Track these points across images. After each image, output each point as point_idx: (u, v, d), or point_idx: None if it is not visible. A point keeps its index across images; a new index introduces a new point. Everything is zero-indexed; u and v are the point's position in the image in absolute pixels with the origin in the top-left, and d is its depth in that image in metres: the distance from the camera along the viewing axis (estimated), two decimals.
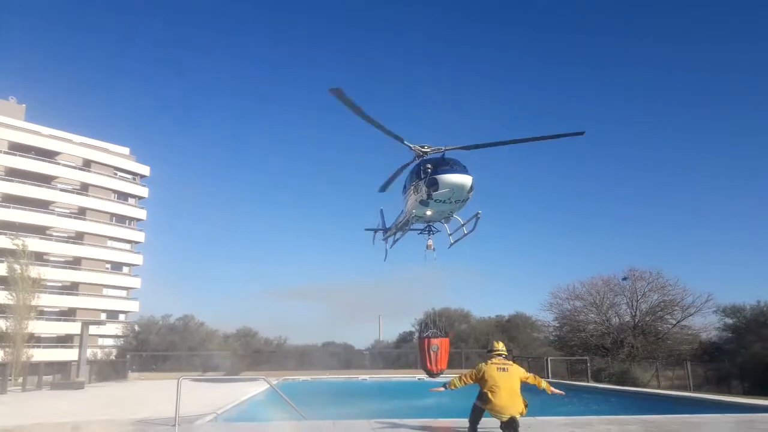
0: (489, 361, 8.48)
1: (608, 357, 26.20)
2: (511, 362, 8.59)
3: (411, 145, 13.82)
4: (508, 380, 8.18)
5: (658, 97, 77.65)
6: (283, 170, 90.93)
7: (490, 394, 8.11)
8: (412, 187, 14.18)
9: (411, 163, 14.27)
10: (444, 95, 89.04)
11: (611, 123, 79.78)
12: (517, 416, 8.06)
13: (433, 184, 12.99)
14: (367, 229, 19.49)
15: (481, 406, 8.25)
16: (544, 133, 13.81)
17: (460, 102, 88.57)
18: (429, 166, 13.33)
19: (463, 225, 14.51)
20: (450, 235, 14.99)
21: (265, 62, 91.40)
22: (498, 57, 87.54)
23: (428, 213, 13.64)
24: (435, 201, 13.18)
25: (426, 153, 13.86)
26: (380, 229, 18.57)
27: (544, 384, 8.74)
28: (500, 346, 8.74)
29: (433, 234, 15.18)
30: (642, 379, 21.63)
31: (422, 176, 13.44)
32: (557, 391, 8.84)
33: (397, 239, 16.81)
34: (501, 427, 8.07)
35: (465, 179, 12.95)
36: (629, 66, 80.00)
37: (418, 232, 15.62)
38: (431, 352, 11.06)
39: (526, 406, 8.23)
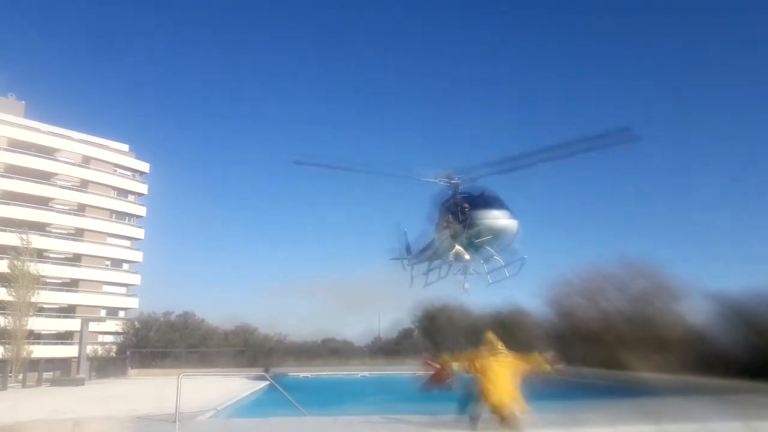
0: (488, 356, 8.46)
1: (598, 343, 26.33)
2: (510, 357, 8.56)
3: (439, 180, 12.31)
4: (507, 375, 8.17)
5: (656, 78, 77.52)
6: (282, 166, 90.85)
7: (488, 390, 8.10)
8: (446, 226, 12.62)
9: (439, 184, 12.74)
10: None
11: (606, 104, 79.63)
12: (517, 413, 8.06)
13: (473, 228, 11.50)
14: (393, 259, 17.18)
15: (479, 401, 8.24)
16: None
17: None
18: (467, 205, 11.84)
19: (504, 267, 12.67)
20: (488, 274, 13.01)
21: (265, 57, 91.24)
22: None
23: (465, 258, 12.18)
24: (474, 247, 11.74)
25: (456, 183, 12.25)
26: (405, 258, 16.37)
27: (547, 367, 8.66)
28: (499, 345, 8.69)
29: (470, 274, 13.17)
30: (632, 365, 21.77)
31: (459, 217, 11.90)
32: (557, 366, 8.71)
33: (431, 282, 14.61)
34: (500, 423, 8.08)
35: (510, 224, 11.36)
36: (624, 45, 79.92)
37: (454, 273, 13.72)
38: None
39: (525, 403, 8.22)
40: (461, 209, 11.95)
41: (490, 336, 8.83)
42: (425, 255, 14.82)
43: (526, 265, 12.39)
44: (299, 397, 11.78)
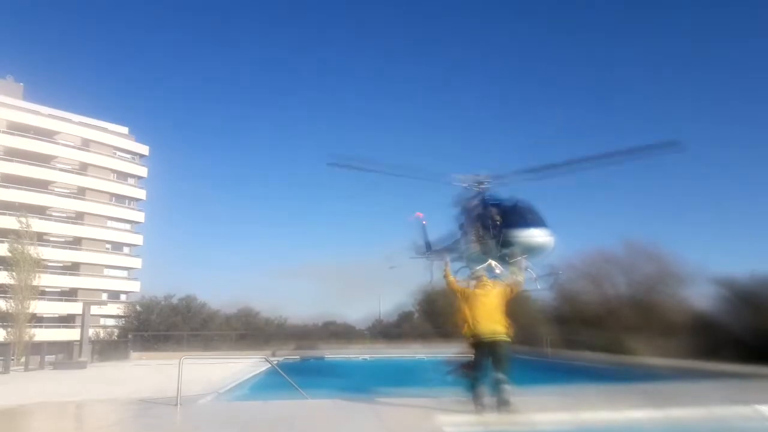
0: (473, 287, 8.51)
1: (603, 328, 26.33)
2: (491, 284, 8.54)
3: (463, 182, 11.61)
4: (493, 303, 8.18)
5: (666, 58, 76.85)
6: (283, 148, 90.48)
7: (474, 316, 8.11)
8: (476, 240, 11.82)
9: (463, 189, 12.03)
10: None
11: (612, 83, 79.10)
12: (501, 338, 8.00)
13: (507, 245, 10.73)
14: (412, 258, 16.51)
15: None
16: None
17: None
18: (499, 219, 11.06)
19: (535, 279, 11.99)
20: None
21: (265, 37, 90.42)
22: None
23: (497, 272, 11.14)
24: (507, 263, 10.88)
25: (482, 185, 11.49)
26: (427, 252, 15.47)
27: (521, 278, 8.61)
28: (489, 283, 8.66)
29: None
30: (636, 349, 21.80)
31: (491, 232, 11.11)
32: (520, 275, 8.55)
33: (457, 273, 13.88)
34: (484, 353, 8.04)
35: (547, 242, 10.65)
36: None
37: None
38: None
39: (510, 329, 8.13)
40: (493, 222, 11.24)
41: (483, 277, 8.78)
42: (448, 250, 14.06)
43: (561, 277, 11.80)
44: (300, 380, 11.82)
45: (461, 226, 13.11)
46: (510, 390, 7.80)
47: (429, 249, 15.48)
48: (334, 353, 28.13)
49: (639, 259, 27.61)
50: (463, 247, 13.10)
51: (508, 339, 8.08)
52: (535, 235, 10.85)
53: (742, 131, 67.61)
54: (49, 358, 23.70)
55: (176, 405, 9.36)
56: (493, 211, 11.49)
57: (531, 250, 10.93)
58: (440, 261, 14.54)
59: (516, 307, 8.69)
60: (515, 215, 11.18)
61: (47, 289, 44.28)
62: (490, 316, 8.06)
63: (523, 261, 8.02)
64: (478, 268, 8.64)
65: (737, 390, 10.01)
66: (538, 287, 12.33)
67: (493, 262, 11.37)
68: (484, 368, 8.12)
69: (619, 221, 65.18)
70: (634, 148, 11.48)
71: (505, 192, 12.07)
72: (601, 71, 77.64)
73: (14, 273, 28.92)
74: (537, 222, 11.05)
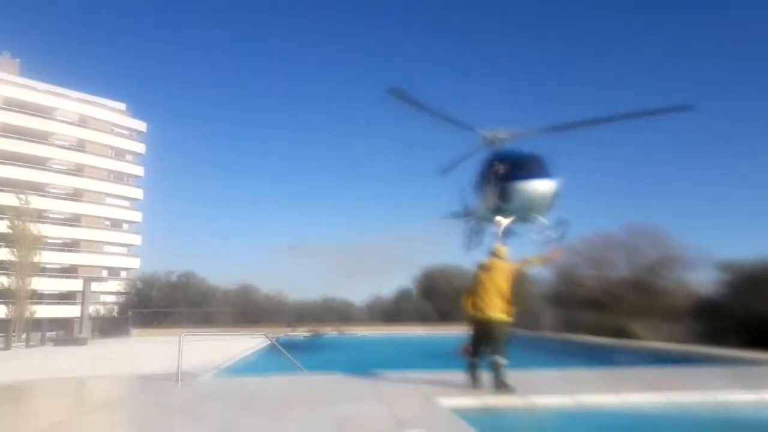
0: (483, 272, 8.40)
1: (605, 312, 26.41)
2: (497, 259, 8.45)
3: (483, 134, 11.29)
4: (488, 279, 8.14)
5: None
6: (283, 124, 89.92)
7: (471, 298, 8.14)
8: (481, 191, 11.90)
9: (480, 151, 11.81)
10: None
11: (611, 65, 78.41)
12: (497, 319, 7.97)
13: (505, 194, 10.66)
14: (447, 218, 16.24)
15: (468, 317, 8.19)
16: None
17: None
18: (500, 168, 10.89)
19: (547, 229, 11.77)
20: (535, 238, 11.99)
21: (269, 12, 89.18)
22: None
23: (503, 224, 11.06)
24: (508, 212, 10.87)
25: (499, 141, 11.25)
26: (463, 216, 15.41)
27: (537, 261, 8.63)
28: (500, 252, 8.54)
29: (510, 236, 11.98)
30: (639, 334, 21.90)
31: (492, 181, 11.12)
32: (555, 254, 8.59)
33: (471, 246, 13.77)
34: (482, 334, 8.04)
35: (544, 186, 10.44)
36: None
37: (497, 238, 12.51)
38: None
39: (510, 311, 8.10)
40: (494, 173, 11.13)
41: (501, 250, 8.65)
42: (475, 216, 14.06)
43: (570, 227, 11.65)
44: (299, 356, 11.93)
45: (474, 186, 12.96)
46: (507, 371, 7.85)
47: (466, 213, 15.46)
48: (335, 330, 28.30)
49: (641, 243, 27.60)
50: (474, 206, 13.06)
51: (507, 320, 8.07)
52: (534, 177, 10.68)
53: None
54: (49, 334, 23.92)
55: (177, 381, 9.45)
56: (496, 165, 11.32)
57: (530, 198, 10.76)
58: (475, 225, 14.24)
59: (517, 289, 8.61)
60: (515, 162, 11.01)
61: (47, 266, 44.40)
62: (490, 298, 8.05)
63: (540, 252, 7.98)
64: (497, 226, 8.52)
65: (741, 376, 10.00)
66: (554, 236, 11.77)
67: (498, 216, 11.21)
68: (482, 348, 8.17)
69: (621, 204, 64.81)
70: (649, 110, 11.61)
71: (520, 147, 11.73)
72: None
73: (15, 250, 28.99)
74: (537, 166, 10.85)
